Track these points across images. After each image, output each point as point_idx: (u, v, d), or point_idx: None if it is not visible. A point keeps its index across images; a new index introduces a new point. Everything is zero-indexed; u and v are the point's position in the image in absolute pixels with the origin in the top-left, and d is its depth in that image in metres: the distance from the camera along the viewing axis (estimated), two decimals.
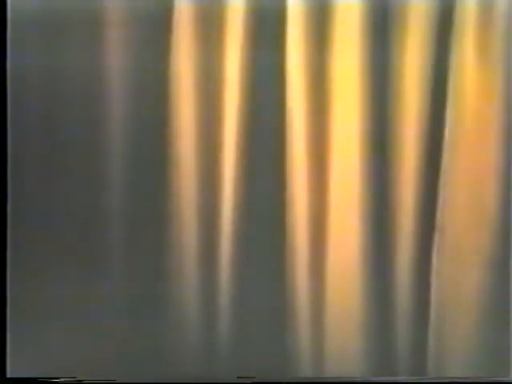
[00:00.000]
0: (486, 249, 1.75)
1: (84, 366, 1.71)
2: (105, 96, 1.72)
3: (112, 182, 1.72)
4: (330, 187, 1.74)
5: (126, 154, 1.72)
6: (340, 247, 1.73)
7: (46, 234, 1.72)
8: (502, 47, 1.74)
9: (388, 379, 1.74)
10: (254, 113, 1.73)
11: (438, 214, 1.74)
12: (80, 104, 1.72)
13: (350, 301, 1.73)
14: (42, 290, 1.72)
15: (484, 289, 1.75)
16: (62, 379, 1.69)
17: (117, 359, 1.72)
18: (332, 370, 1.73)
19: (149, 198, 1.72)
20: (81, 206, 1.72)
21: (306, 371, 1.74)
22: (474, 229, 1.74)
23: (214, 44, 1.72)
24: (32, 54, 1.72)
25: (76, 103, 1.72)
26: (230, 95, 1.73)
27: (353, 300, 1.73)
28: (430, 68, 1.74)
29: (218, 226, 1.72)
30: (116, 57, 1.72)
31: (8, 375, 1.71)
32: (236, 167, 1.73)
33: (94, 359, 1.72)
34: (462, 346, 1.75)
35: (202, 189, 1.73)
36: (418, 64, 1.74)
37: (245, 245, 1.72)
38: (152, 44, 1.72)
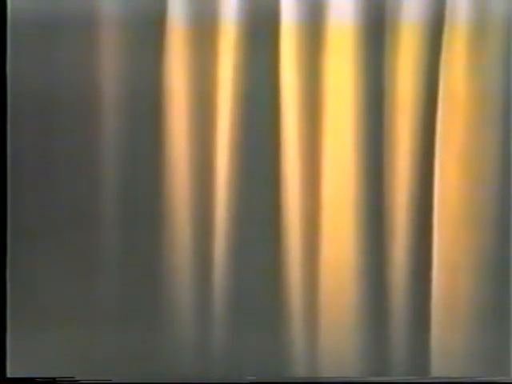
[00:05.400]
0: (485, 249, 1.73)
1: (83, 366, 1.72)
2: (101, 98, 1.73)
3: (107, 183, 1.73)
4: (323, 189, 1.73)
5: (121, 155, 1.73)
6: (334, 247, 1.73)
7: (46, 234, 1.73)
8: (494, 58, 1.73)
9: (387, 379, 1.73)
10: (247, 118, 1.73)
11: (435, 214, 1.73)
12: (77, 106, 1.73)
13: (345, 301, 1.73)
14: (41, 290, 1.73)
15: (484, 289, 1.74)
16: (62, 379, 1.69)
17: (116, 359, 1.73)
18: (327, 370, 1.73)
19: (143, 200, 1.72)
20: (79, 206, 1.73)
21: (303, 371, 1.74)
22: (472, 229, 1.73)
23: (208, 50, 1.73)
24: (31, 55, 1.73)
25: (73, 106, 1.73)
26: (224, 101, 1.73)
27: (349, 299, 1.73)
28: (422, 71, 1.74)
29: (211, 226, 1.73)
30: (113, 59, 1.73)
31: (8, 375, 1.72)
32: (229, 170, 1.73)
33: (93, 359, 1.73)
34: (462, 346, 1.74)
35: (196, 190, 1.73)
36: (410, 68, 1.73)
37: (238, 245, 1.73)
38: (146, 50, 1.73)
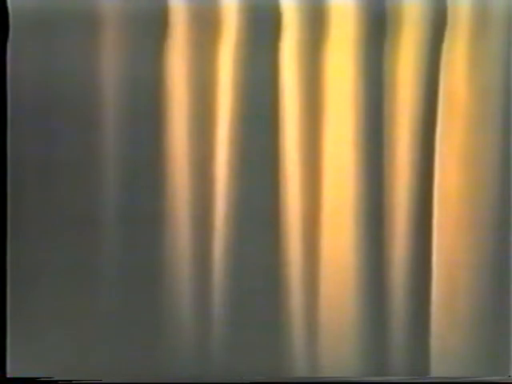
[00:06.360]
0: (485, 249, 1.73)
1: (83, 366, 1.72)
2: (101, 96, 1.73)
3: (108, 182, 1.73)
4: (323, 187, 1.74)
5: (121, 153, 1.73)
6: (335, 247, 1.73)
7: (46, 235, 1.73)
8: (494, 49, 1.74)
9: (387, 379, 1.73)
10: (247, 113, 1.73)
11: (435, 214, 1.73)
12: (77, 104, 1.73)
13: (345, 300, 1.73)
14: (41, 290, 1.73)
15: (483, 288, 1.74)
16: (62, 379, 1.69)
17: (115, 359, 1.73)
18: (327, 370, 1.73)
19: (144, 198, 1.73)
20: (78, 206, 1.73)
21: (303, 371, 1.74)
22: (472, 229, 1.73)
23: (209, 45, 1.73)
24: (31, 55, 1.73)
25: (73, 104, 1.73)
26: (224, 96, 1.73)
27: (348, 299, 1.73)
28: (423, 69, 1.74)
29: (211, 224, 1.73)
30: (113, 57, 1.73)
31: (8, 375, 1.72)
32: (229, 167, 1.73)
33: (93, 359, 1.73)
34: (462, 346, 1.74)
35: (196, 190, 1.73)
36: (411, 65, 1.74)
37: (238, 244, 1.73)
38: (147, 45, 1.73)
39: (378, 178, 1.74)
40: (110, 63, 1.73)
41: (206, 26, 1.73)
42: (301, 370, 1.73)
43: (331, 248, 1.73)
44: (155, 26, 1.73)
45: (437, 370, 1.74)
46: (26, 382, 1.69)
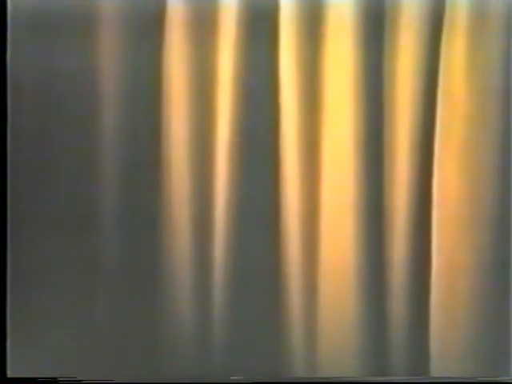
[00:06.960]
0: (485, 248, 1.73)
1: (83, 366, 1.72)
2: (100, 96, 1.73)
3: (107, 181, 1.73)
4: (323, 186, 1.74)
5: (120, 154, 1.73)
6: (334, 247, 1.73)
7: (46, 235, 1.73)
8: (493, 47, 1.74)
9: (387, 379, 1.73)
10: (246, 112, 1.73)
11: (434, 213, 1.73)
12: (77, 104, 1.73)
13: (345, 300, 1.73)
14: (41, 291, 1.73)
15: (483, 289, 1.74)
16: (62, 379, 1.69)
17: (115, 359, 1.73)
18: (327, 370, 1.73)
19: (144, 198, 1.73)
20: (78, 206, 1.73)
21: (303, 371, 1.74)
22: (472, 228, 1.73)
23: (207, 44, 1.73)
24: (31, 55, 1.73)
25: (73, 103, 1.73)
26: (223, 95, 1.73)
27: (347, 299, 1.73)
28: (422, 67, 1.74)
29: (211, 224, 1.73)
30: (111, 57, 1.73)
31: (8, 375, 1.72)
32: (229, 167, 1.73)
33: (93, 359, 1.73)
34: (462, 346, 1.74)
35: (196, 189, 1.73)
36: (410, 63, 1.74)
37: (238, 243, 1.73)
38: (146, 44, 1.73)
39: (378, 177, 1.74)
40: (110, 63, 1.73)
41: (204, 24, 1.73)
42: (301, 370, 1.74)
43: (331, 248, 1.73)
44: (154, 26, 1.73)
45: (437, 370, 1.74)
46: (26, 381, 1.69)
